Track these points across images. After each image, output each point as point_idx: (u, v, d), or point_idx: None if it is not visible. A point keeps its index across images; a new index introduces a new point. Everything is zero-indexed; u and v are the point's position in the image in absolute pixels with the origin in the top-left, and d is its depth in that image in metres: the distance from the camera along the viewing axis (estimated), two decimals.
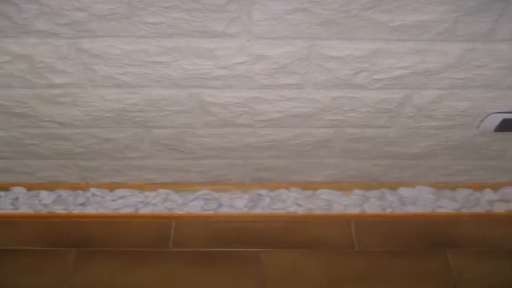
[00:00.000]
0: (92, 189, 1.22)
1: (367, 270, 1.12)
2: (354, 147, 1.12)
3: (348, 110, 1.00)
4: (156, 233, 1.17)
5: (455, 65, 0.90)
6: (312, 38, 0.85)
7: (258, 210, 1.21)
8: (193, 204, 1.21)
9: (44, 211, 1.20)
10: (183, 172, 1.19)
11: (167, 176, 1.21)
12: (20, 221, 1.19)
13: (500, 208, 1.22)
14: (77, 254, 1.13)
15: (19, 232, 1.17)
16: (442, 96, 0.97)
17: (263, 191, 1.23)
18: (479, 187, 1.25)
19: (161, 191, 1.23)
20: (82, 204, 1.21)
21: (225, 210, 1.21)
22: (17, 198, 1.22)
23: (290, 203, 1.22)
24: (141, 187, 1.24)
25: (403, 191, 1.24)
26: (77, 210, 1.20)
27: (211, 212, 1.21)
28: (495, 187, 1.25)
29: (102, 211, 1.20)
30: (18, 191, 1.23)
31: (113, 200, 1.22)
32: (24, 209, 1.20)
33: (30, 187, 1.23)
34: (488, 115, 1.02)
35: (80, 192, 1.23)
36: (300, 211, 1.21)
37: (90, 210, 1.20)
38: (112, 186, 1.23)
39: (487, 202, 1.23)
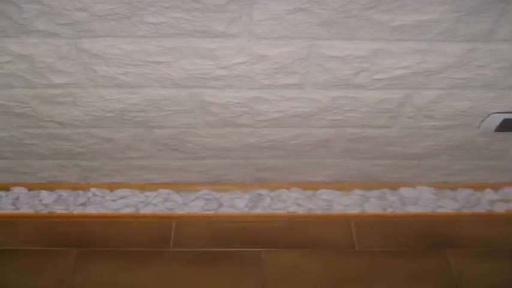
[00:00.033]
0: (93, 189, 1.22)
1: (367, 270, 1.12)
2: (354, 147, 1.12)
3: (348, 110, 1.00)
4: (156, 233, 1.17)
5: (455, 65, 0.90)
6: (312, 38, 0.85)
7: (258, 210, 1.21)
8: (194, 204, 1.21)
9: (44, 211, 1.20)
10: (184, 172, 1.19)
11: (168, 176, 1.21)
12: (21, 221, 1.19)
13: (500, 208, 1.22)
14: (77, 254, 1.13)
15: (19, 232, 1.17)
16: (442, 96, 0.97)
17: (264, 191, 1.23)
18: (479, 187, 1.25)
19: (162, 191, 1.23)
20: (82, 204, 1.21)
21: (225, 210, 1.21)
22: (17, 198, 1.22)
23: (290, 203, 1.22)
24: (142, 187, 1.24)
25: (403, 191, 1.24)
26: (77, 210, 1.20)
27: (211, 212, 1.20)
28: (496, 187, 1.25)
29: (102, 211, 1.20)
30: (19, 191, 1.23)
31: (114, 200, 1.22)
32: (24, 209, 1.20)
33: (30, 187, 1.23)
34: (488, 115, 1.02)
35: (81, 192, 1.23)
36: (301, 211, 1.21)
37: (91, 210, 1.20)
38: (112, 186, 1.23)
39: (488, 202, 1.23)
